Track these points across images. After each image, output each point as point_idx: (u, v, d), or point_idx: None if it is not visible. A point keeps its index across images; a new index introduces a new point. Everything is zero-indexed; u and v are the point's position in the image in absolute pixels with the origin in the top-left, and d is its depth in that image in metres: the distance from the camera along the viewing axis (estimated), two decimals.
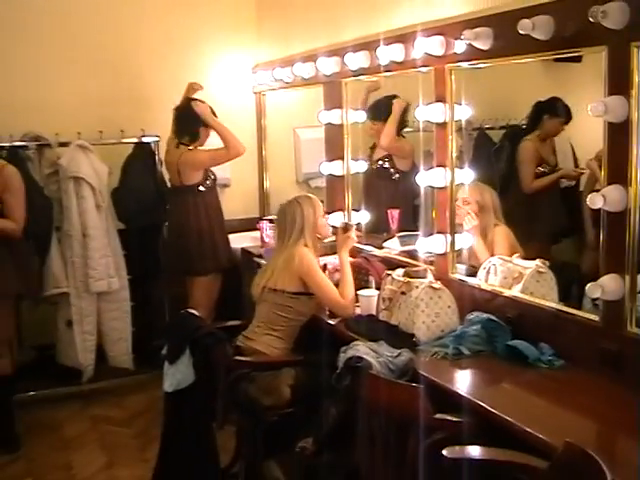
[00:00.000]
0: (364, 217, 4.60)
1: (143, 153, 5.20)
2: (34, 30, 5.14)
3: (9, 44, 5.08)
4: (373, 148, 4.79)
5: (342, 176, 4.64)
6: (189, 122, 4.79)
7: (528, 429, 2.33)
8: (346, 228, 3.87)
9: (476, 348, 3.07)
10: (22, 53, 5.11)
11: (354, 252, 4.24)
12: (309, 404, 3.45)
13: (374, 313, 3.59)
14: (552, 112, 3.86)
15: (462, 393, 2.70)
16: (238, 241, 5.29)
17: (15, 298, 4.51)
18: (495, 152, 4.09)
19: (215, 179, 4.96)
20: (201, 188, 4.83)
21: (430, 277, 3.46)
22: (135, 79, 5.43)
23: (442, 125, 3.54)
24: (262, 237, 5.08)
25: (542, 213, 3.94)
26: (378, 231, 4.53)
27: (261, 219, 5.35)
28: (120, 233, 5.12)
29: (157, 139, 5.19)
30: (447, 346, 3.10)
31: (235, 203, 5.64)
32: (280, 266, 3.72)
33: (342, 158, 4.61)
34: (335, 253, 3.90)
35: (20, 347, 5.01)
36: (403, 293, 3.38)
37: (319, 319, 3.73)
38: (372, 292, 3.70)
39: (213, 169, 4.94)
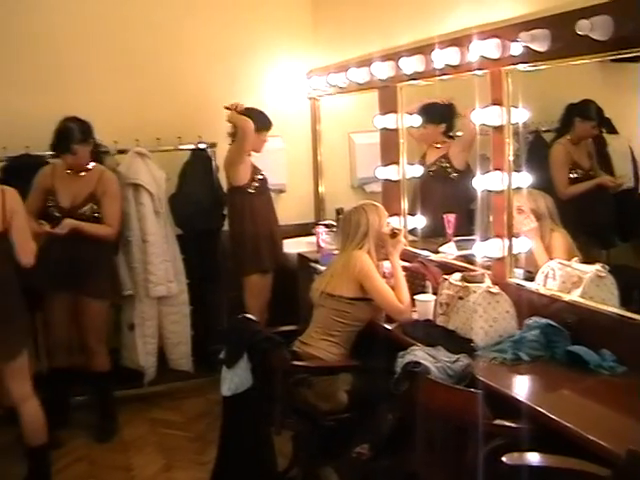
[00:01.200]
0: (420, 222, 4.59)
1: (200, 159, 5.27)
2: (91, 40, 5.24)
3: (69, 55, 5.19)
4: (425, 155, 4.76)
5: (398, 181, 4.63)
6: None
7: (589, 436, 2.29)
8: (394, 233, 3.86)
9: (535, 354, 3.03)
10: (81, 63, 5.22)
11: (410, 257, 4.24)
12: (366, 409, 3.46)
13: (431, 318, 3.59)
14: (584, 115, 3.78)
15: (521, 399, 2.68)
16: (294, 246, 5.32)
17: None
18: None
19: (264, 180, 4.95)
20: (250, 190, 4.85)
21: (487, 282, 3.43)
22: (192, 86, 5.50)
23: (499, 128, 3.51)
24: (318, 242, 5.09)
25: (588, 217, 3.83)
26: (434, 236, 4.49)
27: (317, 224, 5.37)
28: (178, 238, 5.19)
29: (214, 145, 5.23)
30: (505, 351, 3.07)
31: (290, 208, 5.66)
32: (339, 271, 3.74)
33: (397, 163, 4.60)
34: (387, 259, 3.90)
35: None
36: (460, 298, 3.37)
37: (376, 324, 3.74)
38: (429, 297, 3.69)
39: (264, 172, 4.95)
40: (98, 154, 4.73)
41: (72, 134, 4.36)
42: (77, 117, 4.44)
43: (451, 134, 4.64)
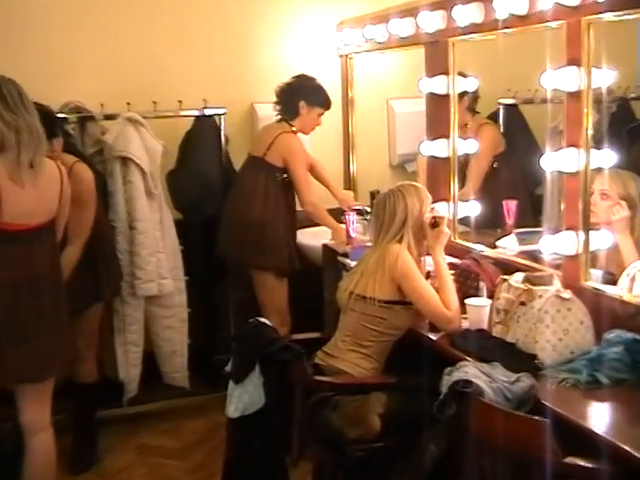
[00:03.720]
0: (474, 209, 4.57)
1: (206, 128, 5.25)
2: None
3: (48, 5, 5.18)
4: None
5: (447, 158, 4.60)
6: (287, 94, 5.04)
7: None
8: (435, 222, 3.80)
9: (617, 376, 2.98)
10: (60, 11, 5.21)
11: (461, 252, 4.22)
12: (403, 437, 3.46)
13: (485, 327, 3.56)
14: None
15: (598, 432, 2.63)
16: (319, 237, 5.30)
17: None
18: (629, 132, 3.95)
19: None
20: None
21: (557, 284, 3.39)
22: (197, 39, 5.51)
23: (575, 95, 3.44)
24: (348, 232, 5.06)
25: None
26: (491, 226, 4.51)
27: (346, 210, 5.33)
28: (177, 225, 5.16)
29: (223, 111, 5.23)
30: (579, 372, 3.03)
31: (316, 190, 5.61)
32: (372, 268, 3.71)
33: (447, 136, 4.57)
34: (428, 254, 3.87)
35: None
36: (522, 303, 3.33)
37: (417, 333, 3.72)
38: (483, 301, 3.67)
39: None
40: (68, 143, 4.58)
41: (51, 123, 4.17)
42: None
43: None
